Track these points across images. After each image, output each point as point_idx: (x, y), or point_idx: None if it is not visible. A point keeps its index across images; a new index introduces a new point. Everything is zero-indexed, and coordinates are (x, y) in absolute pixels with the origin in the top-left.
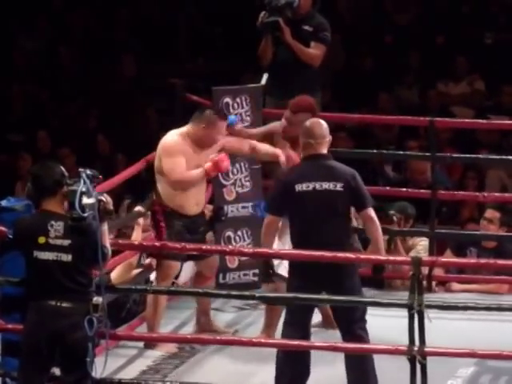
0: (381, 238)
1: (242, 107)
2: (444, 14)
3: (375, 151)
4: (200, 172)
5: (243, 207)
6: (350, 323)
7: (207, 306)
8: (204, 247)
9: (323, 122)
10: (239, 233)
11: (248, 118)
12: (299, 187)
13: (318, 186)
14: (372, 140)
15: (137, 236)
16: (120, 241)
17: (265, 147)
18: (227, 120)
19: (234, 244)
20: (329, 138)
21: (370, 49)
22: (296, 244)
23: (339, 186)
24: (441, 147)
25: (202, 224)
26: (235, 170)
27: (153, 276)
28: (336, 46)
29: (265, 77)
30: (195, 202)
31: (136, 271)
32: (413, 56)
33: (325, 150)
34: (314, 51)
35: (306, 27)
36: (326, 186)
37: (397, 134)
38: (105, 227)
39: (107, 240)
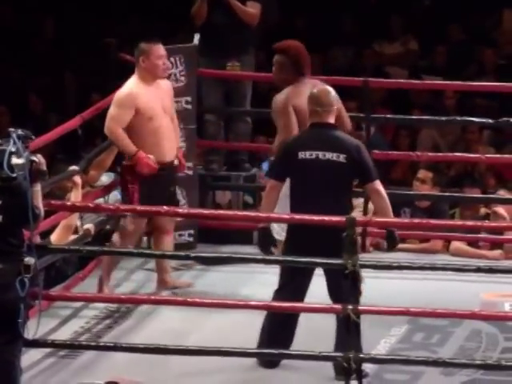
0: (390, 210)
1: (177, 67)
2: None
3: None
4: (127, 147)
5: None
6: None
7: (163, 264)
8: (138, 208)
9: (331, 90)
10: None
11: (182, 78)
12: (302, 154)
13: (321, 155)
14: None
15: (75, 197)
16: (52, 201)
17: None
18: None
19: None
20: (336, 106)
21: (305, 9)
22: (294, 209)
23: (342, 158)
24: (374, 107)
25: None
26: None
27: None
28: (270, 4)
29: (196, 37)
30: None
31: (74, 236)
32: (347, 16)
33: (332, 119)
34: (252, 10)
35: None
36: (329, 156)
37: None
38: (37, 188)
39: (40, 201)
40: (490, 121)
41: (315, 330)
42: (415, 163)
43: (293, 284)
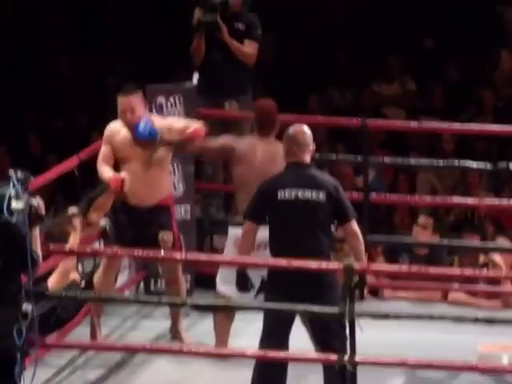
0: (363, 252)
1: (176, 106)
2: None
3: None
4: (103, 174)
5: None
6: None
7: (173, 313)
8: (136, 253)
9: (307, 130)
10: None
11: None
12: (281, 195)
13: (300, 194)
14: None
15: (74, 241)
16: (51, 245)
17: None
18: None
19: None
20: (312, 146)
21: (302, 48)
22: (274, 253)
23: (322, 196)
24: (371, 148)
25: (149, 219)
26: None
27: None
28: (268, 43)
29: (195, 76)
30: (133, 191)
31: (74, 276)
32: (345, 56)
33: (308, 158)
34: (250, 49)
35: (239, 25)
36: (308, 195)
37: (326, 136)
38: (35, 232)
39: (38, 246)
40: (489, 166)
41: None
42: (414, 208)
43: (278, 333)
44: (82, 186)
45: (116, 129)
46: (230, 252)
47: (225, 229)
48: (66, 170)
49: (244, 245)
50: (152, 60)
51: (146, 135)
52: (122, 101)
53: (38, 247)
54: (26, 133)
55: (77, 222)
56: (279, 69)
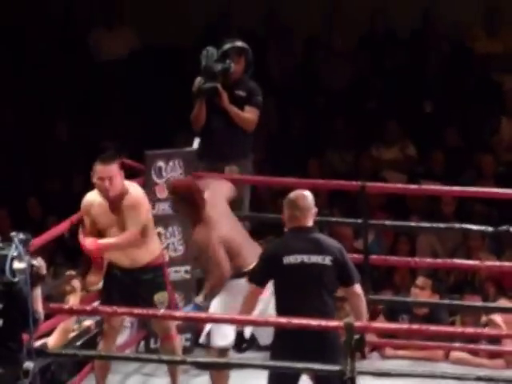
0: (365, 312)
1: (175, 171)
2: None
3: None
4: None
5: (176, 271)
6: None
7: (172, 369)
8: (136, 311)
9: (308, 194)
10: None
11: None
12: (287, 260)
13: (306, 259)
14: None
15: (74, 301)
16: (51, 305)
17: None
18: None
19: None
20: (314, 209)
21: (302, 113)
22: (281, 314)
23: (327, 260)
24: (372, 211)
25: (142, 281)
26: (168, 234)
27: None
28: (269, 109)
29: (196, 141)
30: (117, 256)
31: (73, 334)
32: (345, 120)
33: (311, 222)
34: (250, 116)
35: (240, 92)
36: (314, 259)
37: (326, 199)
38: (37, 292)
39: (39, 305)
40: (490, 229)
41: None
42: (414, 269)
43: None
44: (75, 247)
45: (91, 199)
46: (223, 299)
47: None
48: (62, 232)
49: (247, 306)
50: (152, 125)
51: None
52: (100, 169)
53: (39, 306)
54: (25, 195)
55: (76, 283)
56: (279, 133)
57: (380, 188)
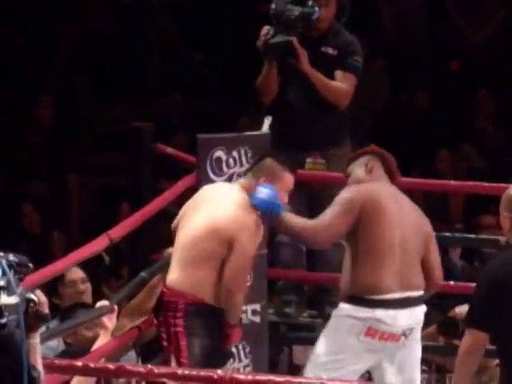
0: None
1: (241, 165)
2: None
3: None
4: None
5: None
6: None
7: None
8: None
9: None
10: (234, 350)
11: None
12: None
13: None
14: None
15: (101, 344)
16: (56, 361)
17: None
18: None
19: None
20: None
21: (427, 81)
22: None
23: None
24: None
25: None
26: None
27: None
28: (378, 75)
29: (267, 121)
30: None
31: None
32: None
33: None
34: (342, 85)
35: (328, 49)
36: None
37: (463, 207)
38: (35, 340)
39: (39, 358)
40: None
41: None
42: None
43: None
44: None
45: None
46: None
47: (309, 337)
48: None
49: (465, 368)
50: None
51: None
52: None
53: (38, 360)
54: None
55: (108, 321)
56: (394, 113)
57: None
